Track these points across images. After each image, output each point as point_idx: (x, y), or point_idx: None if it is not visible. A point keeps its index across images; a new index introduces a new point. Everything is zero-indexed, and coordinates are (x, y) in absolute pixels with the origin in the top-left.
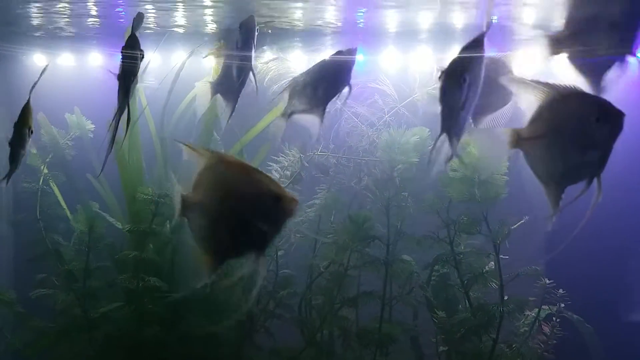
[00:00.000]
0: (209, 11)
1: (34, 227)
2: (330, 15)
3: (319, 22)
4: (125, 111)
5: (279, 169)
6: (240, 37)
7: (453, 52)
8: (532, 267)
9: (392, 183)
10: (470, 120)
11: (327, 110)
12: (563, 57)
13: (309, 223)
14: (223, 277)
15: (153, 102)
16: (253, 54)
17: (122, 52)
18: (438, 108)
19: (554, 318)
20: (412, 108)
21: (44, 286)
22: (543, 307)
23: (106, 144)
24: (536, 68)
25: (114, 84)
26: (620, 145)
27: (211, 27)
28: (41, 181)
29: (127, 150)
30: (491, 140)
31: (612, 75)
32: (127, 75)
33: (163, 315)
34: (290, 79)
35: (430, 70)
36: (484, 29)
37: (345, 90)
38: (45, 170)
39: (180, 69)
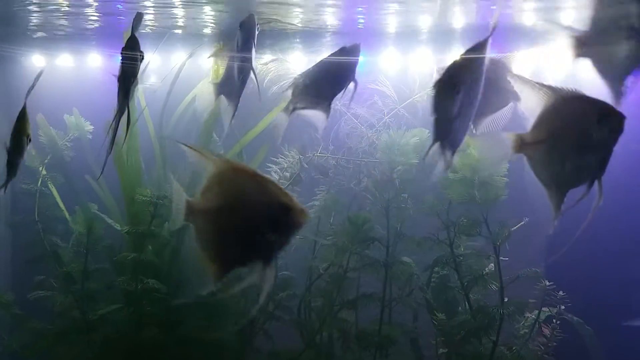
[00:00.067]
0: (208, 12)
1: (32, 228)
2: (330, 16)
3: (319, 23)
4: (125, 113)
5: (278, 170)
6: (241, 37)
7: (453, 53)
8: (532, 269)
9: (392, 184)
10: (471, 124)
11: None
12: (586, 59)
13: (308, 225)
14: (228, 285)
15: (152, 103)
16: (253, 53)
17: (121, 54)
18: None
19: (554, 320)
20: (412, 109)
21: (42, 288)
22: (543, 309)
23: (105, 145)
24: (559, 70)
25: (113, 85)
26: (622, 147)
27: (210, 28)
28: (39, 182)
29: (125, 151)
30: (495, 144)
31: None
32: (127, 77)
33: (162, 318)
34: (294, 76)
35: (430, 71)
36: (489, 32)
37: (351, 86)
38: (44, 172)
39: (179, 70)
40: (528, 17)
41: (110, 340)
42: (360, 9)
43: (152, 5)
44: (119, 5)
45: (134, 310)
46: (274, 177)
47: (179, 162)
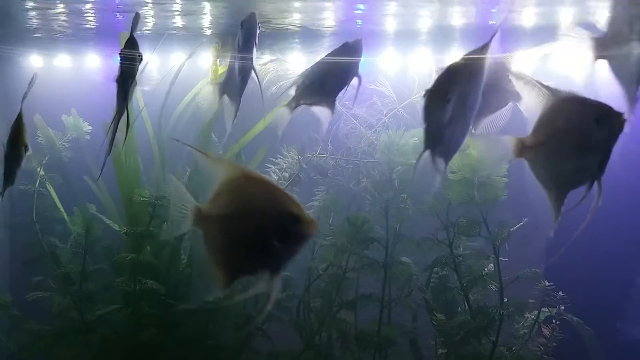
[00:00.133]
0: (207, 12)
1: (30, 229)
2: (329, 16)
3: (318, 23)
4: (124, 114)
5: (277, 170)
6: (241, 36)
7: (452, 53)
8: (531, 270)
9: (391, 185)
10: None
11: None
12: (603, 61)
13: None
14: (234, 293)
15: (151, 104)
16: (254, 53)
17: (120, 55)
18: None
19: (553, 320)
20: (411, 110)
21: (40, 289)
22: (543, 309)
23: (104, 146)
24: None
25: (111, 85)
26: (622, 147)
27: (209, 28)
28: (37, 183)
29: (124, 152)
30: (495, 147)
31: None
32: (126, 78)
33: (160, 318)
34: (298, 73)
35: (429, 72)
36: (494, 35)
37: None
38: (42, 172)
39: (178, 70)
40: (540, 17)
41: (109, 341)
42: (359, 11)
43: (151, 5)
44: (117, 14)
45: (133, 311)
46: (273, 177)
47: (178, 163)
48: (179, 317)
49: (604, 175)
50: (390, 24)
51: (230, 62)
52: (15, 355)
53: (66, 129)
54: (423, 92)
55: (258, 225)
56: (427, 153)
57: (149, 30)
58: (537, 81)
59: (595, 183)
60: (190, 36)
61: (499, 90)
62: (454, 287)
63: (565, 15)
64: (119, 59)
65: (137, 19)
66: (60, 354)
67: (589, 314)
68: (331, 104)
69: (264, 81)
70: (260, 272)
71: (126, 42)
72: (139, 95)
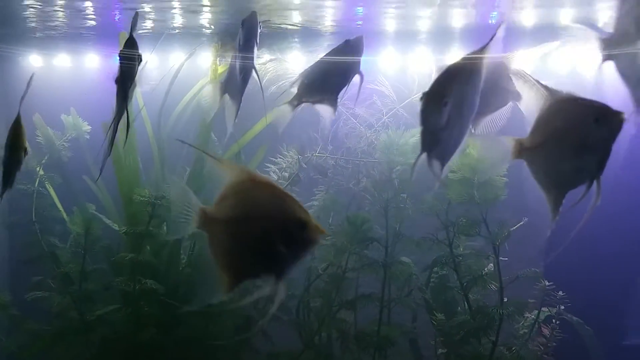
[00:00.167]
0: (206, 11)
1: (29, 229)
2: (328, 15)
3: (317, 23)
4: (124, 115)
5: (277, 170)
6: (242, 35)
7: (452, 53)
8: (531, 269)
9: (391, 184)
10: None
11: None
12: (610, 62)
13: None
14: (238, 296)
15: (150, 103)
16: (255, 52)
17: (120, 56)
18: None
19: (553, 320)
20: (411, 109)
21: (40, 289)
22: (542, 309)
23: (104, 146)
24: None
25: (111, 85)
26: (625, 147)
27: (209, 28)
28: (37, 183)
29: (123, 151)
30: (494, 148)
31: None
32: (126, 80)
33: (160, 318)
34: (300, 71)
35: (429, 71)
36: (494, 35)
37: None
38: (41, 172)
39: (178, 70)
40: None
41: (109, 341)
42: (359, 9)
43: (150, 5)
44: (116, 13)
45: (132, 310)
46: (273, 177)
47: (177, 163)
48: (179, 317)
49: (606, 174)
50: (390, 24)
51: (231, 61)
52: (15, 355)
53: (65, 129)
54: (420, 95)
55: (264, 229)
56: (424, 156)
57: (148, 29)
58: (537, 81)
59: (594, 182)
60: (190, 35)
61: (499, 89)
62: (454, 287)
63: (566, 15)
64: (119, 59)
65: (136, 18)
66: (59, 354)
67: (589, 313)
68: (333, 102)
69: (264, 81)
70: (265, 276)
71: (125, 43)
72: (138, 94)
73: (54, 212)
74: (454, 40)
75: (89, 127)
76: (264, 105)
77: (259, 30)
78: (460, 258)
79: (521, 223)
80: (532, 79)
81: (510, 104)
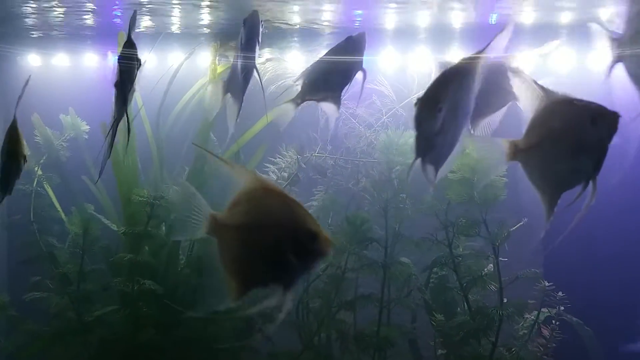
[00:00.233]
0: (205, 11)
1: (27, 229)
2: (328, 15)
3: (317, 22)
4: (123, 118)
5: (276, 170)
6: (244, 34)
7: (452, 52)
8: (531, 270)
9: (390, 185)
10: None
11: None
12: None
13: None
14: (245, 305)
15: (149, 103)
16: (257, 51)
17: (119, 61)
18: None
19: (553, 321)
20: (411, 109)
21: (38, 289)
22: (542, 310)
23: (103, 149)
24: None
25: (110, 84)
26: (626, 148)
27: (208, 27)
28: (35, 183)
29: (122, 150)
30: (489, 150)
31: None
32: (125, 84)
33: (159, 319)
34: (300, 72)
35: (428, 70)
36: (495, 37)
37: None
38: (40, 172)
39: (177, 70)
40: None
41: (107, 341)
42: (359, 12)
43: (148, 5)
44: (116, 13)
45: (131, 311)
46: (272, 177)
47: (176, 162)
48: (178, 318)
49: (608, 175)
50: (389, 23)
51: (233, 60)
52: (13, 355)
53: (64, 129)
54: (415, 101)
55: (274, 238)
56: (419, 161)
57: (147, 29)
58: (534, 81)
59: (590, 183)
60: (189, 35)
61: (500, 90)
62: (454, 288)
63: (566, 15)
64: (118, 63)
65: (134, 18)
66: (58, 355)
67: (589, 314)
68: (337, 100)
69: (263, 80)
70: (273, 285)
71: (124, 46)
72: (137, 94)
73: (53, 212)
74: (453, 40)
75: (88, 127)
76: (265, 105)
77: (260, 30)
78: (460, 258)
79: (521, 223)
80: (528, 80)
81: (510, 104)
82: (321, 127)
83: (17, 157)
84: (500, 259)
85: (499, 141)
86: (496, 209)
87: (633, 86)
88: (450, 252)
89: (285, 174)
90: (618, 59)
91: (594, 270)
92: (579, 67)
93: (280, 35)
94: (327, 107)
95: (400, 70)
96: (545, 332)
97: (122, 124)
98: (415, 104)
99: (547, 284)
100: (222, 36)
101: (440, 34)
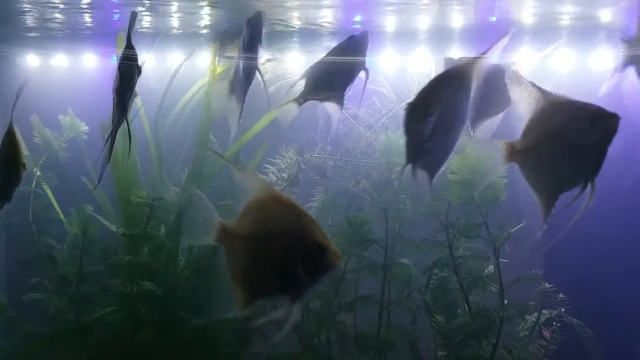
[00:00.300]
0: (205, 12)
1: (26, 230)
2: (328, 15)
3: (316, 23)
4: (124, 125)
5: (275, 171)
6: (247, 34)
7: (452, 53)
8: (532, 272)
9: (391, 186)
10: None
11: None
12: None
13: None
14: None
15: (148, 103)
16: (259, 52)
17: (119, 68)
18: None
19: (554, 322)
20: None
21: (37, 290)
22: (543, 311)
23: (101, 154)
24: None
25: (109, 85)
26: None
27: (207, 28)
28: (34, 183)
29: (121, 152)
30: (487, 152)
31: None
32: (125, 90)
33: (158, 320)
34: (303, 72)
35: (428, 71)
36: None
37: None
38: (38, 173)
39: (177, 70)
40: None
41: (106, 343)
42: (358, 16)
43: (148, 5)
44: (115, 13)
45: (130, 313)
46: (272, 178)
47: (176, 163)
48: (177, 319)
49: (622, 177)
50: (389, 23)
51: (236, 60)
52: (12, 357)
53: (63, 129)
54: (405, 106)
55: (282, 249)
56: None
57: (146, 29)
58: (531, 83)
59: (589, 185)
60: (188, 35)
61: (500, 93)
62: (454, 289)
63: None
64: (118, 70)
65: (133, 19)
66: (56, 356)
67: (590, 315)
68: (340, 99)
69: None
70: (280, 296)
71: (124, 52)
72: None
73: (51, 213)
74: (453, 40)
75: (87, 128)
76: (268, 104)
77: (264, 31)
78: (460, 260)
79: (520, 225)
80: (526, 81)
81: (510, 108)
82: (321, 128)
83: (16, 166)
84: (501, 260)
85: (496, 142)
86: (497, 210)
87: None
88: (450, 253)
89: (285, 175)
90: (629, 62)
91: (594, 270)
92: (580, 68)
93: (280, 36)
94: (330, 106)
95: (400, 71)
96: (546, 334)
97: (121, 129)
98: (405, 108)
99: (547, 285)
100: (222, 36)
101: (440, 35)
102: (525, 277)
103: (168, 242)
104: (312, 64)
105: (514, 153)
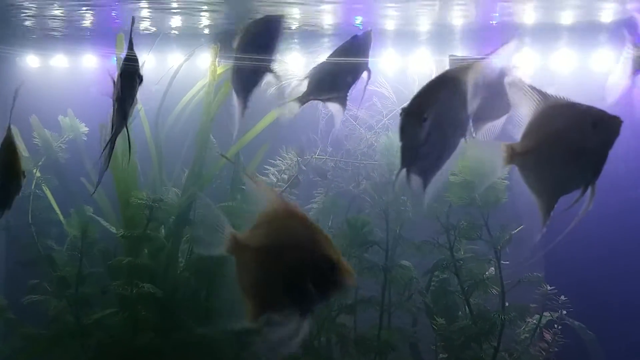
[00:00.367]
0: (205, 15)
1: (26, 231)
2: (328, 16)
3: (317, 24)
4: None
5: (276, 172)
6: (265, 36)
7: (452, 53)
8: (533, 274)
9: (391, 187)
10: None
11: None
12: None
13: None
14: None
15: (148, 103)
16: (275, 55)
17: (121, 76)
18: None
19: (555, 325)
20: None
21: (36, 292)
22: (544, 313)
23: (100, 161)
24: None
25: (108, 86)
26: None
27: (208, 29)
28: (33, 185)
29: (121, 153)
30: (487, 154)
31: None
32: (125, 99)
33: (157, 322)
34: (306, 72)
35: (429, 72)
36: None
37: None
38: (38, 174)
39: (177, 71)
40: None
41: (105, 345)
42: (359, 18)
43: (147, 6)
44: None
45: (129, 314)
46: (272, 179)
47: (176, 164)
48: (177, 321)
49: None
50: (389, 24)
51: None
52: (11, 359)
53: (63, 130)
54: (399, 111)
55: (293, 264)
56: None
57: (146, 30)
58: (531, 86)
59: (589, 188)
60: (188, 36)
61: (502, 96)
62: (455, 291)
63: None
64: (120, 78)
65: (132, 22)
66: (56, 358)
67: (592, 317)
68: (343, 100)
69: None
70: (289, 310)
71: (125, 59)
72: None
73: (51, 214)
74: (454, 41)
75: (87, 129)
76: (260, 108)
77: (281, 34)
78: (461, 262)
79: (520, 227)
80: (525, 84)
81: (512, 111)
82: (321, 129)
83: (16, 174)
84: (502, 262)
85: (496, 144)
86: (498, 212)
87: None
88: (451, 255)
89: (286, 176)
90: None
91: (595, 272)
92: (581, 68)
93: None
94: (333, 107)
95: (400, 72)
96: (547, 337)
97: (121, 133)
98: (400, 114)
99: (549, 287)
100: (222, 37)
101: (440, 35)
102: (527, 280)
103: (168, 243)
104: (312, 64)
105: (514, 155)
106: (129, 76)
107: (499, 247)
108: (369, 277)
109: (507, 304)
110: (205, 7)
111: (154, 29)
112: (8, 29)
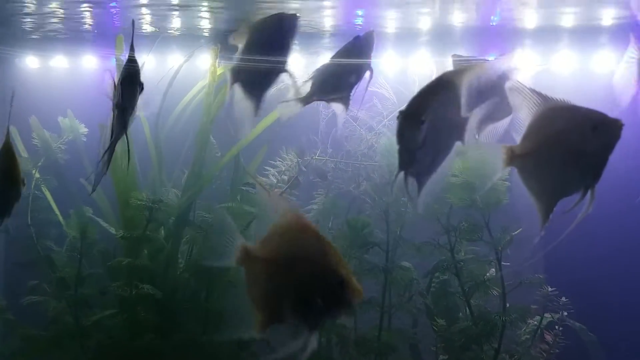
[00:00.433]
0: (206, 12)
1: (25, 232)
2: (328, 17)
3: (317, 25)
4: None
5: (276, 173)
6: (279, 36)
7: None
8: (534, 275)
9: (391, 188)
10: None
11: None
12: None
13: None
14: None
15: (148, 104)
16: (289, 56)
17: (122, 83)
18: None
19: (556, 326)
20: None
21: (36, 293)
22: (545, 315)
23: (99, 166)
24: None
25: (108, 86)
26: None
27: (208, 29)
28: (33, 186)
29: (120, 154)
30: (487, 155)
31: None
32: (126, 107)
33: (157, 324)
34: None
35: (429, 73)
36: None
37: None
38: (37, 175)
39: (177, 71)
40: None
41: (105, 346)
42: (359, 17)
43: (147, 6)
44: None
45: (129, 316)
46: (272, 180)
47: (176, 164)
48: (177, 322)
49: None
50: (390, 25)
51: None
52: None
53: (62, 131)
54: (397, 114)
55: (302, 278)
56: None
57: (146, 30)
58: (530, 89)
59: (589, 192)
60: (188, 37)
61: (504, 98)
62: (456, 292)
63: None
64: (121, 86)
65: (133, 27)
66: (55, 359)
67: (593, 319)
68: (345, 100)
69: None
70: (297, 324)
71: (126, 65)
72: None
73: (50, 215)
74: (454, 42)
75: (86, 130)
76: (274, 105)
77: (296, 33)
78: (462, 263)
79: (520, 230)
80: (524, 86)
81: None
82: (322, 130)
83: (15, 181)
84: (503, 263)
85: (496, 146)
86: (499, 213)
87: None
88: (452, 256)
89: (286, 177)
90: None
91: (595, 273)
92: (582, 69)
93: None
94: (336, 107)
95: (400, 73)
96: (548, 338)
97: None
98: (397, 117)
99: (550, 288)
100: (222, 38)
101: (441, 36)
102: (528, 281)
103: (167, 244)
104: (313, 65)
105: (514, 157)
106: (130, 84)
107: (499, 249)
108: (369, 278)
109: (507, 305)
110: (205, 7)
111: (154, 29)
112: (8, 29)
